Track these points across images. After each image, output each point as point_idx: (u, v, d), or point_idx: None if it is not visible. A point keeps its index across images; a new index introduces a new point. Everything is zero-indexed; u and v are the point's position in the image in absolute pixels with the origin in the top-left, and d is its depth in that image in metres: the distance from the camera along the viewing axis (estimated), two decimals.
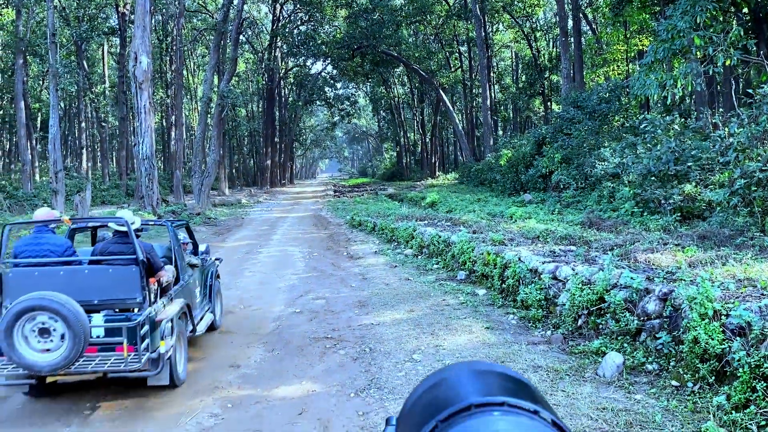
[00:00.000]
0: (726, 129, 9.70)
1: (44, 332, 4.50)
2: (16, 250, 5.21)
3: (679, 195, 11.44)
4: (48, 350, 4.51)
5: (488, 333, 6.66)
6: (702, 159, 11.54)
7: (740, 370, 4.11)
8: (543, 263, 7.61)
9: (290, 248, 14.29)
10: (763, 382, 3.97)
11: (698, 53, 11.13)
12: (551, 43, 40.34)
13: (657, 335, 5.25)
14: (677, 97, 12.11)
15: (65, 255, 5.20)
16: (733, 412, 4.01)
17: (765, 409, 3.88)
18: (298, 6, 42.65)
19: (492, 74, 40.70)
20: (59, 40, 28.16)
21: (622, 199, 13.15)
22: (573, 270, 6.91)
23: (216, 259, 7.90)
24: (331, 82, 50.07)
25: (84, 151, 41.69)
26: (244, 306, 8.48)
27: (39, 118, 39.78)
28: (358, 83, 52.76)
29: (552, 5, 35.93)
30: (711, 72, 10.88)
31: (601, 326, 6.00)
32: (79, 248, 6.07)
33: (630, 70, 28.91)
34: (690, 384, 4.58)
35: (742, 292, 4.97)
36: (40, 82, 40.94)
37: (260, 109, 52.72)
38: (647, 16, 22.46)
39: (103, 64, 42.89)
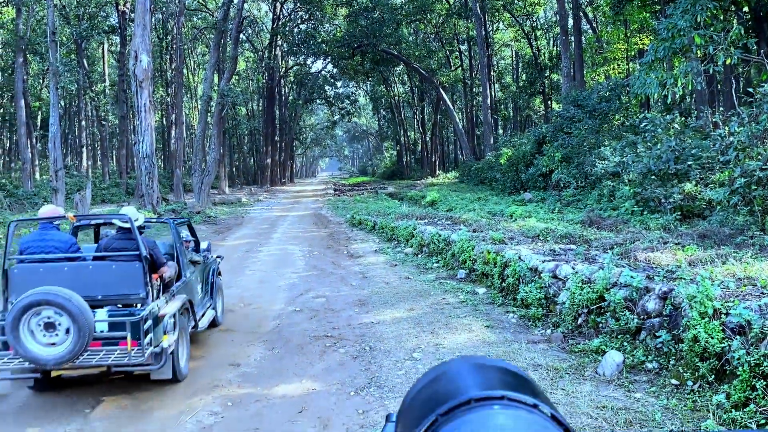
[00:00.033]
0: (726, 128, 9.71)
1: (50, 326, 4.57)
2: (21, 247, 5.29)
3: (679, 194, 11.44)
4: (53, 344, 4.58)
5: (488, 331, 6.66)
6: (702, 158, 11.54)
7: (740, 368, 4.11)
8: (543, 262, 7.61)
9: (290, 247, 14.29)
10: (762, 381, 3.97)
11: (699, 52, 11.12)
12: (551, 42, 40.31)
13: (657, 334, 5.26)
14: (677, 95, 12.10)
15: (70, 251, 5.27)
16: (733, 410, 4.01)
17: (765, 408, 3.88)
18: (298, 4, 42.62)
19: (492, 73, 40.69)
20: (59, 39, 28.15)
21: (622, 197, 13.15)
22: (573, 269, 6.92)
23: (217, 257, 7.96)
24: (332, 80, 50.06)
25: (84, 149, 41.70)
26: (244, 304, 8.48)
27: (39, 117, 39.78)
28: (359, 82, 52.79)
29: (552, 4, 35.92)
30: (711, 71, 10.88)
31: (601, 325, 6.01)
32: (82, 246, 6.11)
33: (630, 69, 28.90)
34: (690, 382, 4.58)
35: (742, 291, 4.97)
36: (41, 81, 40.93)
37: (260, 108, 52.71)
38: (648, 14, 22.45)
39: (104, 63, 42.88)
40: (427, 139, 50.15)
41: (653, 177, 12.32)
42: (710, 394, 4.33)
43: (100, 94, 39.77)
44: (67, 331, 4.55)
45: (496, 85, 43.78)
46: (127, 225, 5.36)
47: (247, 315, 7.92)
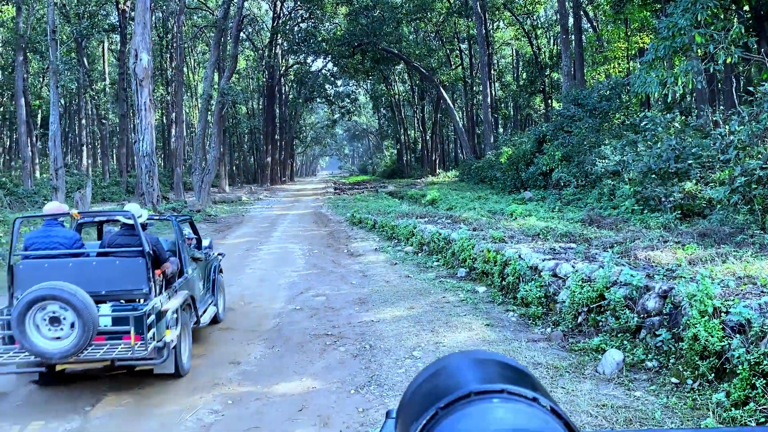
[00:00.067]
0: (726, 127, 9.70)
1: (55, 321, 4.64)
2: (26, 243, 5.37)
3: (679, 193, 11.44)
4: (58, 338, 4.64)
5: (488, 330, 6.66)
6: (702, 157, 11.54)
7: (740, 367, 4.12)
8: (543, 260, 7.62)
9: (290, 245, 14.29)
10: (762, 379, 3.98)
11: (699, 51, 11.11)
12: (552, 41, 40.29)
13: (657, 332, 5.26)
14: (678, 94, 12.10)
15: (74, 247, 5.35)
16: (733, 409, 4.02)
17: (764, 406, 3.89)
18: (298, 3, 42.59)
19: (492, 72, 40.67)
20: (59, 37, 28.12)
21: (622, 196, 13.15)
22: (573, 267, 6.92)
23: (219, 254, 8.02)
24: (332, 79, 50.03)
25: (84, 148, 41.67)
26: (244, 303, 8.49)
27: (39, 115, 39.76)
28: (359, 80, 52.76)
29: (553, 3, 35.89)
30: (712, 70, 10.88)
31: (600, 323, 6.01)
32: (86, 243, 6.15)
33: (631, 68, 28.87)
34: (689, 381, 4.59)
35: (742, 290, 4.97)
36: (41, 79, 40.91)
37: (261, 107, 52.69)
38: (648, 13, 22.43)
39: (104, 61, 42.84)
40: (428, 137, 50.13)
41: (653, 176, 12.32)
42: (710, 393, 4.34)
43: (100, 93, 39.75)
44: (72, 325, 4.62)
45: (497, 84, 43.75)
46: (131, 221, 5.42)
47: (247, 313, 7.92)
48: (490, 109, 34.35)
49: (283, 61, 50.62)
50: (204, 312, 6.55)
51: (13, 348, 4.77)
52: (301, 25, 43.21)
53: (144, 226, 5.56)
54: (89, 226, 7.32)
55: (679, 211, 10.93)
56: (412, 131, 56.53)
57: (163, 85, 41.20)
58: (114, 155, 45.98)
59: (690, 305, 4.78)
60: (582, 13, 29.52)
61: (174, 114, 37.17)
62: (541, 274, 7.38)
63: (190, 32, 43.30)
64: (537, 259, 7.74)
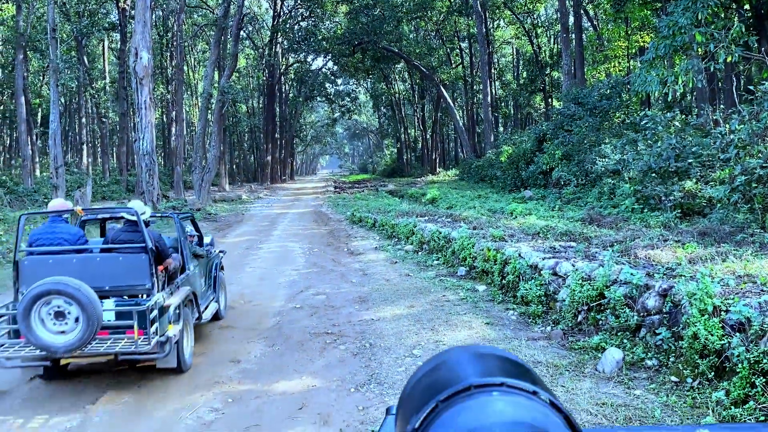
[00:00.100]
0: (727, 126, 9.71)
1: (60, 315, 4.70)
2: (31, 239, 5.44)
3: (679, 192, 11.45)
4: (63, 332, 4.70)
5: (488, 328, 6.67)
6: (703, 156, 11.54)
7: (739, 365, 4.12)
8: (543, 259, 7.62)
9: (290, 244, 14.30)
10: (762, 378, 3.98)
11: (699, 50, 11.11)
12: (552, 40, 40.27)
13: (657, 331, 5.26)
14: (678, 93, 12.09)
15: (78, 243, 5.42)
16: (732, 407, 4.02)
17: (764, 405, 3.89)
18: (298, 2, 42.60)
19: (493, 70, 40.66)
20: (59, 36, 28.11)
21: (622, 195, 13.16)
22: (573, 266, 6.92)
23: (220, 251, 8.08)
24: (332, 78, 50.00)
25: (84, 146, 41.65)
26: (244, 301, 8.50)
27: (39, 114, 39.75)
28: (359, 79, 52.75)
29: (553, 1, 35.87)
30: (712, 69, 10.87)
31: (600, 322, 6.01)
32: (89, 240, 6.20)
33: (631, 67, 28.86)
34: (689, 379, 4.59)
35: (741, 289, 4.97)
36: (41, 78, 40.89)
37: (261, 105, 52.68)
38: (648, 12, 22.40)
39: (104, 60, 42.81)
40: (428, 136, 50.12)
41: (654, 175, 12.33)
42: (710, 391, 4.34)
43: (100, 91, 39.73)
44: (77, 319, 4.68)
45: (497, 83, 43.75)
46: (134, 218, 5.49)
47: (247, 312, 7.93)
48: (490, 108, 34.35)
49: (284, 59, 50.60)
50: (206, 308, 6.62)
51: (19, 342, 4.84)
52: (301, 23, 43.21)
53: (147, 223, 5.63)
54: (92, 223, 7.36)
55: (679, 210, 10.94)
56: (413, 130, 56.52)
57: (164, 83, 41.18)
58: (114, 154, 45.96)
59: (690, 304, 4.79)
60: (582, 11, 29.51)
61: (174, 112, 37.15)
62: (541, 272, 7.39)
63: (190, 31, 43.28)
64: (537, 258, 7.74)
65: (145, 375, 5.54)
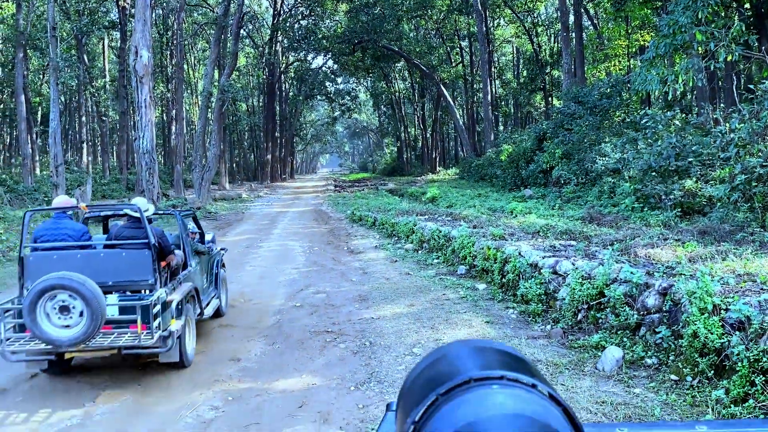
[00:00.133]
0: (727, 125, 9.70)
1: (64, 309, 4.78)
2: (35, 235, 5.52)
3: (679, 190, 11.45)
4: (68, 326, 4.78)
5: (488, 327, 6.68)
6: (703, 155, 11.53)
7: (739, 364, 4.12)
8: (543, 258, 7.62)
9: (291, 243, 14.30)
10: (761, 376, 3.98)
11: (700, 49, 11.10)
12: (552, 38, 40.23)
13: (656, 329, 5.27)
14: (678, 92, 12.08)
15: (82, 240, 5.50)
16: (732, 405, 4.02)
17: (764, 403, 3.90)
18: (298, 0, 42.55)
19: (493, 69, 40.63)
20: (59, 34, 28.10)
21: (622, 194, 13.16)
22: (573, 265, 6.93)
23: (221, 249, 8.14)
24: (332, 76, 49.97)
25: (84, 145, 41.62)
26: (244, 300, 8.50)
27: (39, 112, 39.73)
28: (359, 78, 52.70)
29: (553, 0, 35.84)
30: (712, 67, 10.86)
31: (600, 321, 6.02)
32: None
33: (631, 66, 28.83)
34: (689, 378, 4.60)
35: (741, 287, 4.98)
36: (41, 76, 40.86)
37: (261, 104, 52.65)
38: (649, 11, 22.39)
39: (104, 58, 42.78)
40: (428, 135, 50.10)
41: (654, 173, 12.33)
42: (709, 390, 4.34)
43: (100, 90, 39.71)
44: (81, 314, 4.75)
45: (497, 82, 43.73)
46: (137, 214, 5.57)
47: (247, 310, 7.94)
48: (490, 107, 34.34)
49: (284, 58, 50.57)
50: (207, 304, 6.70)
51: (24, 336, 4.91)
52: (301, 22, 43.16)
53: (149, 220, 5.70)
54: (94, 221, 7.39)
55: (679, 209, 10.94)
56: (413, 129, 56.50)
57: (164, 82, 41.17)
58: (114, 152, 45.94)
59: (690, 302, 4.79)
60: (583, 10, 29.48)
61: (174, 111, 37.13)
62: (541, 271, 7.39)
63: (190, 29, 43.24)
64: (537, 257, 7.75)
65: (146, 373, 5.55)
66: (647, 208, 11.77)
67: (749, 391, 4.03)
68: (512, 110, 45.59)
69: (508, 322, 6.86)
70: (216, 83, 28.71)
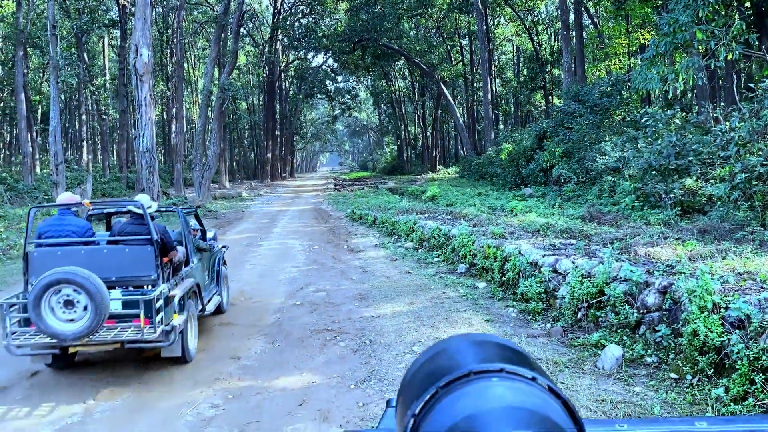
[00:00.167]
0: (727, 123, 9.70)
1: (69, 304, 4.84)
2: (39, 231, 5.58)
3: (679, 189, 11.45)
4: (72, 320, 4.84)
5: (488, 325, 6.68)
6: (703, 153, 11.53)
7: (739, 362, 4.13)
8: (543, 256, 7.62)
9: (291, 241, 14.31)
10: (761, 375, 3.99)
11: (700, 47, 11.09)
12: (553, 37, 40.22)
13: (656, 328, 5.27)
14: (678, 91, 12.08)
15: (86, 236, 5.56)
16: (732, 404, 4.03)
17: (763, 401, 3.90)
18: None
19: (493, 68, 40.61)
20: (60, 32, 28.08)
21: (622, 193, 13.16)
22: (573, 263, 6.93)
23: (223, 246, 8.20)
24: (332, 75, 49.99)
25: (84, 143, 41.61)
26: (244, 298, 8.51)
27: (39, 111, 39.73)
28: (359, 76, 52.67)
29: None
30: (713, 66, 10.85)
31: (600, 319, 6.02)
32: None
33: (631, 64, 28.83)
34: (689, 376, 4.60)
35: (741, 286, 4.98)
36: (41, 75, 40.85)
37: (261, 102, 52.62)
38: (649, 10, 22.37)
39: (104, 57, 42.75)
40: (428, 134, 50.10)
41: (654, 172, 12.32)
42: (709, 388, 4.35)
43: (100, 88, 39.68)
44: (85, 308, 4.81)
45: (497, 80, 43.71)
46: (140, 211, 5.63)
47: (247, 308, 7.94)
48: (490, 106, 34.33)
49: (284, 56, 50.55)
50: (209, 301, 6.77)
51: (29, 330, 4.98)
52: (301, 20, 43.15)
53: (152, 217, 5.75)
54: (96, 218, 7.42)
55: (680, 208, 10.94)
56: (413, 127, 56.49)
57: (164, 80, 41.15)
58: (114, 151, 45.92)
59: (689, 301, 4.79)
60: (583, 9, 29.46)
61: (174, 110, 37.12)
62: (541, 269, 7.39)
63: (190, 28, 43.21)
64: (537, 255, 7.75)
65: (147, 370, 5.56)
66: (647, 207, 11.77)
67: (749, 390, 4.03)
68: (512, 109, 45.58)
69: (508, 321, 6.87)
70: (216, 82, 28.69)
